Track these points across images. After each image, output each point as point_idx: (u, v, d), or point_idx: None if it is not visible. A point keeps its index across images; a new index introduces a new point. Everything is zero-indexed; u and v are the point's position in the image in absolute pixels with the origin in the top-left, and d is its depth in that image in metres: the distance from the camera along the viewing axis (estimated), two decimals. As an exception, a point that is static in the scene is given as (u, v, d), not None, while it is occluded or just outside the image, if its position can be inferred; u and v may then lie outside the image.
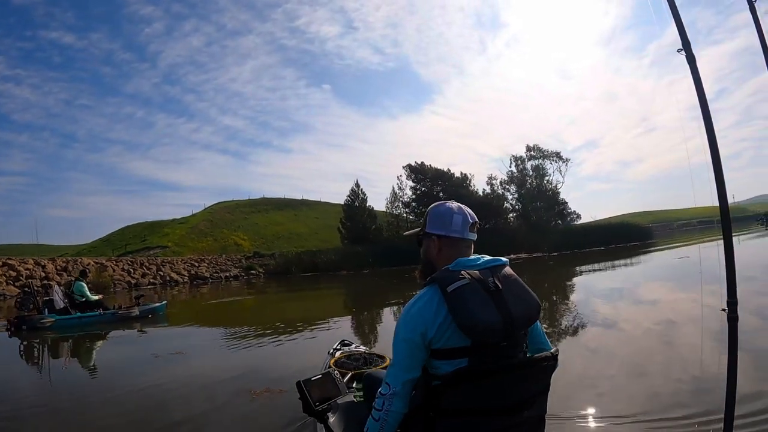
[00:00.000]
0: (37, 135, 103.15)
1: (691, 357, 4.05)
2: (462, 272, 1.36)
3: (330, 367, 3.01)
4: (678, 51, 1.95)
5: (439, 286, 1.34)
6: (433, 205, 1.60)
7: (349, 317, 9.52)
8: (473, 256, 1.47)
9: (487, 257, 1.47)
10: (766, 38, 2.18)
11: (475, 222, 1.53)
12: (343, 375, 2.71)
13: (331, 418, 1.92)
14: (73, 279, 11.75)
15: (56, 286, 10.27)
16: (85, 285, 10.28)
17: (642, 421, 2.78)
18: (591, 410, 2.99)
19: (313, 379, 1.94)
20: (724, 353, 1.84)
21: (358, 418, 1.80)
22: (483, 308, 1.30)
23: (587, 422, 2.84)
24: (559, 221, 37.71)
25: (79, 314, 9.52)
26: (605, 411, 2.98)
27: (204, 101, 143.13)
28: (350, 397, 2.14)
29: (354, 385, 2.71)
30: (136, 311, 9.93)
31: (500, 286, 1.36)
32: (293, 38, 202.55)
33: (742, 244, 19.54)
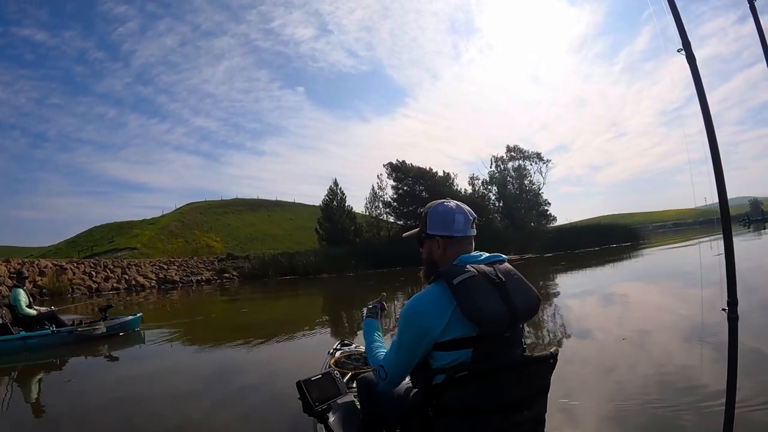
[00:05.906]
0: (7, 134, 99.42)
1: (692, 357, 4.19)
2: (467, 266, 1.39)
3: (330, 367, 2.98)
4: (678, 51, 1.98)
5: (446, 279, 1.36)
6: (430, 205, 1.59)
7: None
8: (475, 253, 1.51)
9: (487, 254, 1.51)
10: (766, 36, 2.21)
11: (475, 218, 1.56)
12: (343, 375, 2.72)
13: (331, 418, 1.93)
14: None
15: (-7, 295, 7.87)
16: (23, 293, 7.54)
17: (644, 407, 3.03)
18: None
19: (313, 379, 1.93)
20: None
21: (358, 418, 1.90)
22: (489, 298, 1.33)
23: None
24: (533, 222, 37.64)
25: (23, 333, 7.08)
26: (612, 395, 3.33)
27: (177, 102, 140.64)
28: (350, 397, 2.14)
29: (354, 385, 2.55)
30: (101, 328, 7.44)
31: (503, 278, 1.40)
32: (268, 40, 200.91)
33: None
